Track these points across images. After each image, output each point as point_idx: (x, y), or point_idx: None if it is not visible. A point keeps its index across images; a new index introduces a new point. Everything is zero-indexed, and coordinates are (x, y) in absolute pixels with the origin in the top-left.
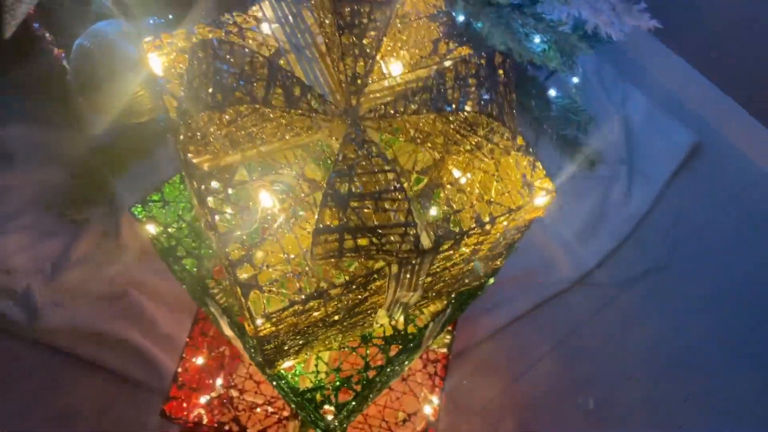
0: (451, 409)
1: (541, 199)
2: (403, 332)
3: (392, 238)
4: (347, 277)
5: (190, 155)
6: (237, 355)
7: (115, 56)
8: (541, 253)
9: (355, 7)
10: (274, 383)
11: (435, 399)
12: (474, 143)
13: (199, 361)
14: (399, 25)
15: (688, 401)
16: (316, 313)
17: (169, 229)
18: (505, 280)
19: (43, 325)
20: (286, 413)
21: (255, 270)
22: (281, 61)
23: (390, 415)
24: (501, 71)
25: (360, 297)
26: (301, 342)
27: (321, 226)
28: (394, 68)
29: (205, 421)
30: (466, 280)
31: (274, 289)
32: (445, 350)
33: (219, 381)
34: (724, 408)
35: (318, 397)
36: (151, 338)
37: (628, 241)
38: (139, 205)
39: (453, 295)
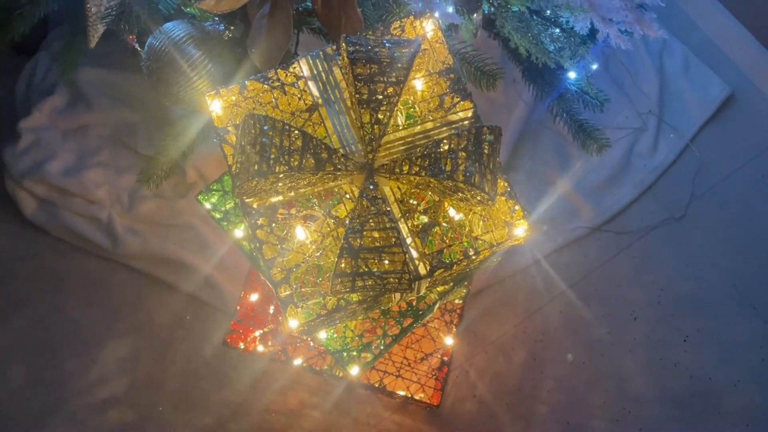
0: (470, 338)
1: (521, 232)
2: (415, 307)
3: (391, 280)
4: (360, 297)
5: (243, 199)
6: None
7: (179, 55)
8: (564, 200)
9: (371, 87)
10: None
11: (449, 340)
12: (461, 197)
13: (254, 297)
14: (412, 80)
15: (686, 341)
16: (340, 317)
17: (230, 217)
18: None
19: (123, 249)
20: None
21: (291, 289)
22: (315, 115)
23: (410, 353)
24: (486, 144)
25: (373, 303)
26: (330, 325)
27: (338, 271)
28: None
29: (261, 349)
30: (468, 274)
31: (305, 305)
32: (460, 301)
33: (271, 313)
34: (719, 350)
35: (345, 356)
36: (214, 265)
37: (648, 191)
38: (204, 193)
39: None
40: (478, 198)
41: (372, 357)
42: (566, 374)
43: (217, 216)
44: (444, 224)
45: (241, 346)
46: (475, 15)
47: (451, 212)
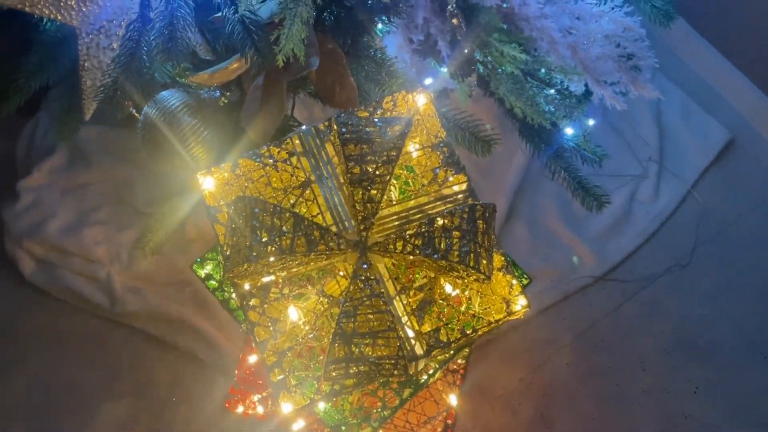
0: (474, 395)
1: (518, 307)
2: (414, 378)
3: (386, 366)
4: (355, 381)
5: (234, 278)
6: None
7: (175, 124)
8: (566, 249)
9: (363, 167)
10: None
11: (453, 400)
12: (457, 276)
13: (252, 359)
14: (405, 154)
15: (696, 392)
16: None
17: (224, 285)
18: (531, 273)
19: (122, 308)
20: None
21: (284, 374)
22: (308, 192)
23: (413, 417)
24: (481, 221)
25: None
26: (325, 401)
27: (331, 357)
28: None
29: (261, 411)
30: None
31: (298, 391)
32: (463, 361)
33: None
34: (730, 401)
35: (344, 429)
36: (213, 323)
37: (652, 239)
38: (199, 262)
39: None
40: (474, 277)
41: (371, 430)
42: (576, 429)
43: (213, 285)
44: (440, 301)
45: (240, 409)
46: (469, 77)
47: (448, 288)
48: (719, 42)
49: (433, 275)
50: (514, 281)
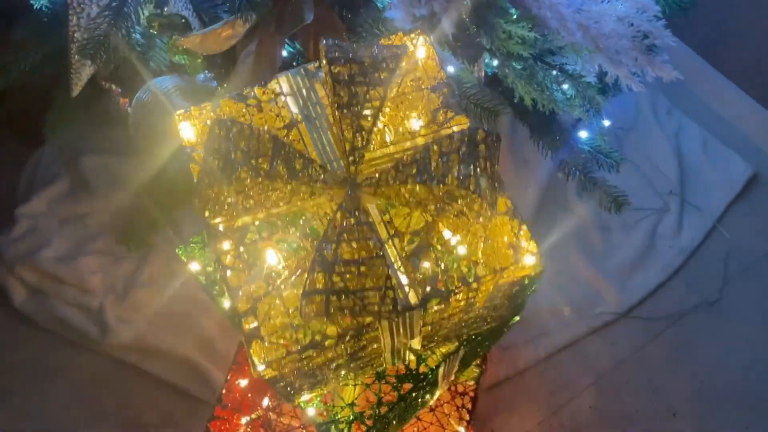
0: None
1: (530, 259)
2: (414, 371)
3: (372, 299)
4: (339, 330)
5: (207, 217)
6: None
7: (168, 108)
8: (586, 285)
9: (352, 89)
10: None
11: (462, 430)
12: (457, 210)
13: (243, 383)
14: (401, 95)
15: None
16: (316, 360)
17: (208, 268)
18: (549, 310)
19: (114, 340)
20: None
21: (258, 321)
22: (293, 132)
23: None
24: (482, 146)
25: (357, 345)
26: (311, 381)
27: (308, 288)
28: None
29: None
30: (474, 326)
31: (273, 339)
32: (473, 383)
33: (259, 402)
34: None
35: (333, 430)
36: (208, 356)
37: (677, 275)
38: (182, 246)
39: (464, 338)
40: (476, 208)
41: (366, 429)
42: None
43: (196, 269)
44: (438, 247)
45: None
46: (476, 69)
47: (447, 235)
48: (738, 78)
49: (430, 219)
50: (523, 226)
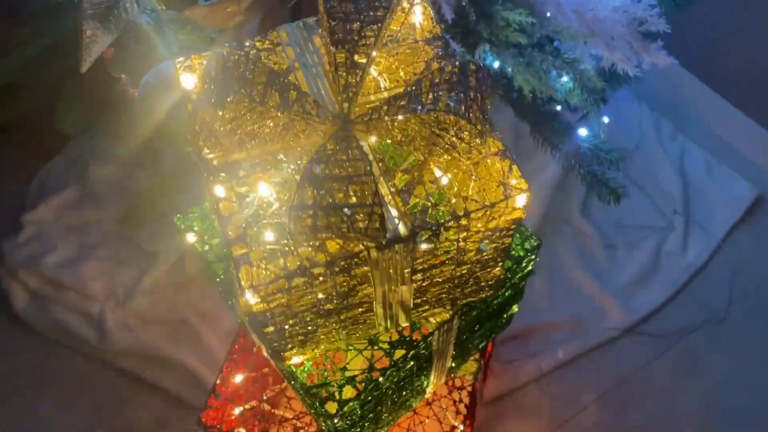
0: None
1: (520, 201)
2: (408, 338)
3: (360, 216)
4: (327, 257)
5: (201, 147)
6: (272, 371)
7: (174, 89)
8: (589, 300)
9: (347, 26)
10: (288, 379)
11: (459, 425)
12: (449, 142)
13: (238, 377)
14: (396, 46)
15: None
16: (306, 297)
17: (204, 237)
18: (552, 324)
19: (111, 345)
20: (312, 429)
21: (247, 248)
22: (290, 77)
23: None
24: (473, 78)
25: (347, 284)
26: (301, 331)
27: (297, 203)
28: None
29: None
30: (467, 289)
31: (262, 264)
32: (471, 378)
33: (251, 392)
34: None
35: (323, 392)
36: (206, 364)
37: (683, 293)
38: (181, 216)
39: (459, 306)
40: (466, 137)
41: (356, 394)
42: None
43: (192, 238)
44: (429, 183)
45: (218, 427)
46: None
47: (437, 173)
48: (741, 102)
49: (422, 158)
50: (514, 166)
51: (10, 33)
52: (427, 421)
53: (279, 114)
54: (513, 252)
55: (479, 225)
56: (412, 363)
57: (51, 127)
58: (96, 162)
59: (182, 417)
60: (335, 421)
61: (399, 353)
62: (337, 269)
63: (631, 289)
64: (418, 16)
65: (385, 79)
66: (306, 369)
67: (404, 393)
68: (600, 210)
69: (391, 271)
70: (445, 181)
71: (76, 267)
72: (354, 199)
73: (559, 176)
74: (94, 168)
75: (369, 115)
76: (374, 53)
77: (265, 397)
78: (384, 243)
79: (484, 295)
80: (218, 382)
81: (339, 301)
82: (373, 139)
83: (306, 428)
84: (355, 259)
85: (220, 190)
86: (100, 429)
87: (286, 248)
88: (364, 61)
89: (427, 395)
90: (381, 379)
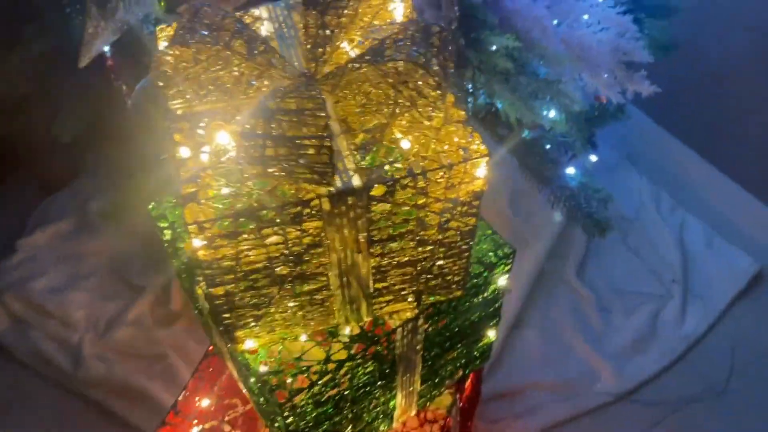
0: None
1: (481, 169)
2: (369, 333)
3: (308, 149)
4: (277, 202)
5: (163, 90)
6: (237, 392)
7: None
8: (583, 362)
9: None
10: (240, 372)
11: None
12: (409, 97)
13: (201, 395)
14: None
15: None
16: (256, 251)
17: (175, 225)
18: (541, 385)
19: (85, 375)
20: None
21: (197, 188)
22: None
23: None
24: (436, 38)
25: (299, 241)
26: (253, 301)
27: (246, 131)
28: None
29: None
30: (432, 281)
31: (210, 203)
32: (444, 411)
33: (213, 412)
34: None
35: (273, 380)
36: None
37: (682, 362)
38: (155, 203)
39: (425, 306)
40: (425, 91)
41: (308, 384)
42: None
43: (164, 224)
44: (389, 143)
45: None
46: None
47: (398, 136)
48: (741, 177)
49: (384, 121)
50: (475, 134)
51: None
52: None
53: (244, 64)
54: (485, 258)
55: (438, 191)
56: (373, 365)
57: (59, 163)
58: (96, 197)
59: None
60: (285, 414)
61: (359, 347)
62: (287, 217)
63: (626, 355)
64: (400, 10)
65: (353, 49)
66: (260, 357)
67: (366, 405)
68: (597, 273)
69: (345, 231)
70: (405, 143)
71: (62, 295)
72: (303, 131)
73: (557, 235)
74: (94, 202)
75: (333, 74)
76: (345, 14)
77: (226, 418)
78: (335, 192)
79: (451, 296)
80: (180, 398)
81: (292, 266)
82: (337, 102)
83: None
84: (307, 209)
85: (179, 137)
86: None
87: (237, 192)
88: (334, 23)
89: (396, 424)
90: (337, 373)
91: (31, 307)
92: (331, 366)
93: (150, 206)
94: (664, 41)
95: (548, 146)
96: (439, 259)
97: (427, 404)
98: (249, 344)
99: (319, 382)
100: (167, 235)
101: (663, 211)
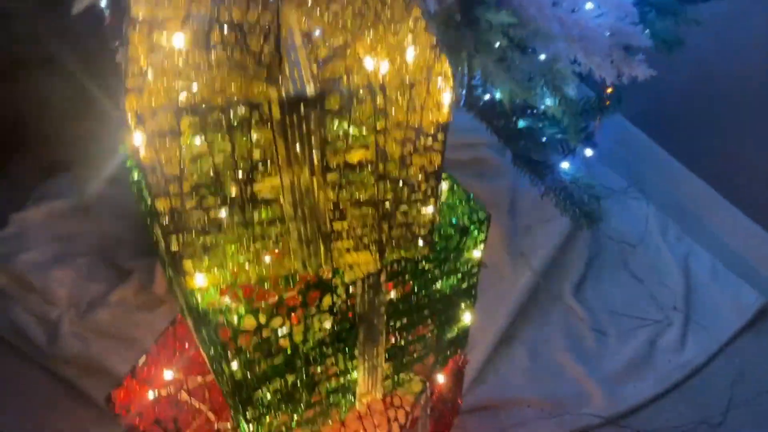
0: None
1: (446, 98)
2: (327, 281)
3: (255, 38)
4: (223, 97)
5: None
6: (200, 363)
7: None
8: (572, 382)
9: None
10: (189, 312)
11: None
12: (374, 9)
13: (161, 363)
14: None
15: None
16: (201, 160)
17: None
18: (527, 401)
19: (59, 351)
20: (228, 425)
21: (143, 81)
22: None
23: None
24: None
25: (248, 151)
26: (201, 223)
27: (194, 13)
28: None
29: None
30: (395, 230)
31: (153, 95)
32: (411, 398)
33: (170, 377)
34: None
35: (219, 317)
36: None
37: (677, 391)
38: (123, 144)
39: (388, 261)
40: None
41: (256, 326)
42: None
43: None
44: (351, 59)
45: (127, 407)
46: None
47: (362, 53)
48: (751, 210)
49: (349, 38)
50: (443, 55)
51: None
52: None
53: None
54: (458, 220)
55: (399, 115)
56: (330, 321)
57: (63, 148)
58: (95, 179)
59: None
60: (229, 356)
61: (313, 294)
62: (234, 121)
63: (619, 379)
64: None
65: None
66: (208, 296)
67: (323, 372)
68: (594, 294)
69: (297, 148)
70: (369, 60)
71: (47, 271)
72: (252, 17)
73: (556, 251)
74: (92, 184)
75: None
76: None
77: (184, 387)
78: (287, 99)
79: (417, 253)
80: (139, 363)
81: (242, 185)
82: (302, 17)
83: (217, 422)
84: (256, 113)
85: (134, 40)
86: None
87: (183, 90)
88: None
89: (360, 405)
90: (289, 320)
91: (14, 279)
92: (282, 311)
93: (128, 160)
94: (669, 38)
95: (543, 139)
96: (402, 202)
97: (395, 389)
98: (199, 281)
99: (269, 324)
100: (135, 175)
101: (669, 239)
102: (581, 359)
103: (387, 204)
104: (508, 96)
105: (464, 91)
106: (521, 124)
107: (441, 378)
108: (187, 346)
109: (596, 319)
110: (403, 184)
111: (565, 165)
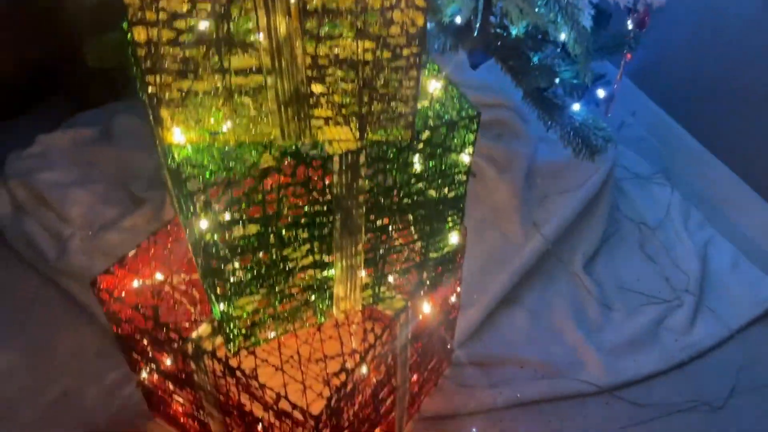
0: None
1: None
2: (305, 154)
3: None
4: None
5: None
6: (189, 262)
7: None
8: (569, 348)
9: None
10: (167, 169)
11: (360, 352)
12: None
13: (151, 258)
14: None
15: None
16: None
17: None
18: (521, 361)
19: (65, 263)
20: (203, 317)
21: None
22: None
23: (305, 350)
24: None
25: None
26: (176, 62)
27: None
28: None
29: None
30: (376, 103)
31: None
32: (392, 313)
33: (157, 270)
34: None
35: (189, 169)
36: None
37: (679, 371)
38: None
39: (368, 141)
40: None
41: (226, 182)
42: None
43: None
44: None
45: (110, 292)
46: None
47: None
48: None
49: None
50: None
51: None
52: (329, 340)
53: None
54: (445, 114)
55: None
56: (306, 197)
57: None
58: (123, 113)
59: (105, 355)
60: (198, 212)
61: (289, 165)
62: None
63: (619, 351)
64: None
65: None
66: (185, 152)
67: (297, 258)
68: (606, 269)
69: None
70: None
71: (65, 191)
72: None
73: (569, 223)
74: (119, 116)
75: None
76: None
77: (168, 281)
78: None
79: (398, 134)
80: (130, 254)
81: (218, 22)
82: None
83: (197, 314)
84: None
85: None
86: (23, 341)
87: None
88: None
89: (337, 312)
90: (261, 184)
91: (32, 195)
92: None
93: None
94: None
95: (557, 80)
96: (383, 67)
97: (376, 304)
98: (177, 136)
99: (240, 182)
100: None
101: (690, 226)
102: (582, 328)
103: (368, 69)
104: (516, 16)
105: (479, 19)
106: (535, 59)
107: (427, 307)
108: (178, 245)
109: (604, 293)
110: (384, 45)
111: (576, 107)
